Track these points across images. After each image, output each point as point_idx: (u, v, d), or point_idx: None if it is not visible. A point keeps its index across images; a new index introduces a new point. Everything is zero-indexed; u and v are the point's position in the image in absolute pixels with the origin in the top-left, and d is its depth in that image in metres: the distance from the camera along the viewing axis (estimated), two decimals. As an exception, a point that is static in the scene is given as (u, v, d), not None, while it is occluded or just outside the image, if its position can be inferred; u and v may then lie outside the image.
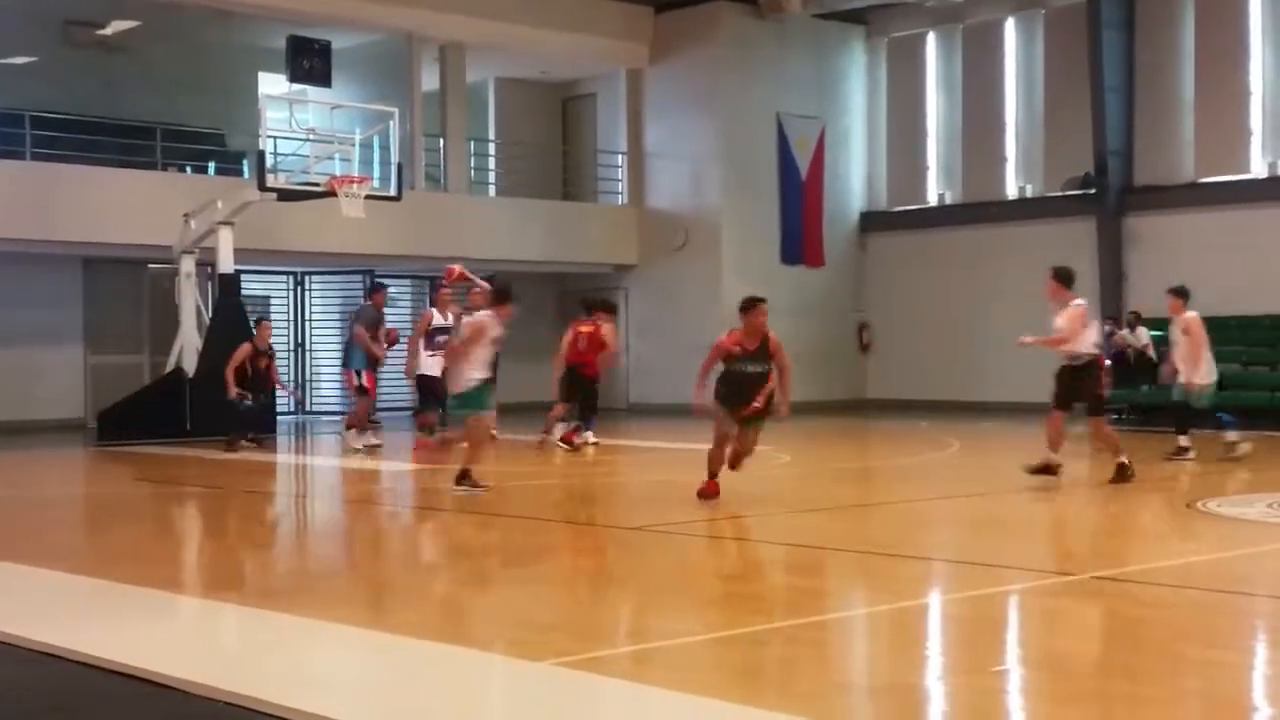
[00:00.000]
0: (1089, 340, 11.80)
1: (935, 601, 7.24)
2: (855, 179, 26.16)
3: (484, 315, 11.45)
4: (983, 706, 5.11)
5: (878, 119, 26.18)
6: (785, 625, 6.54)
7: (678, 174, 24.87)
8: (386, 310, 17.33)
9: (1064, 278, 12.02)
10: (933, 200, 25.60)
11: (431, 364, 15.58)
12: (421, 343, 15.30)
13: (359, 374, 16.33)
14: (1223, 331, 17.57)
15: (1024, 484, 11.50)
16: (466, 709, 5.12)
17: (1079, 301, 11.88)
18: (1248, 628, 6.61)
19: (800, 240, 25.11)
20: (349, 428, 16.52)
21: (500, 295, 11.60)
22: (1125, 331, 20.13)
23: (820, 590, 7.70)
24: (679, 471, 12.16)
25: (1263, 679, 5.65)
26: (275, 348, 18.16)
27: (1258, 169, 21.85)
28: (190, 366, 18.39)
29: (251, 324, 17.70)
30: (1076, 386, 11.77)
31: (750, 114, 24.55)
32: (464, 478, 11.24)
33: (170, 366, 18.79)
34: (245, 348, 16.25)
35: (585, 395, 16.08)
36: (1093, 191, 22.56)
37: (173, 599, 7.32)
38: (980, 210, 24.33)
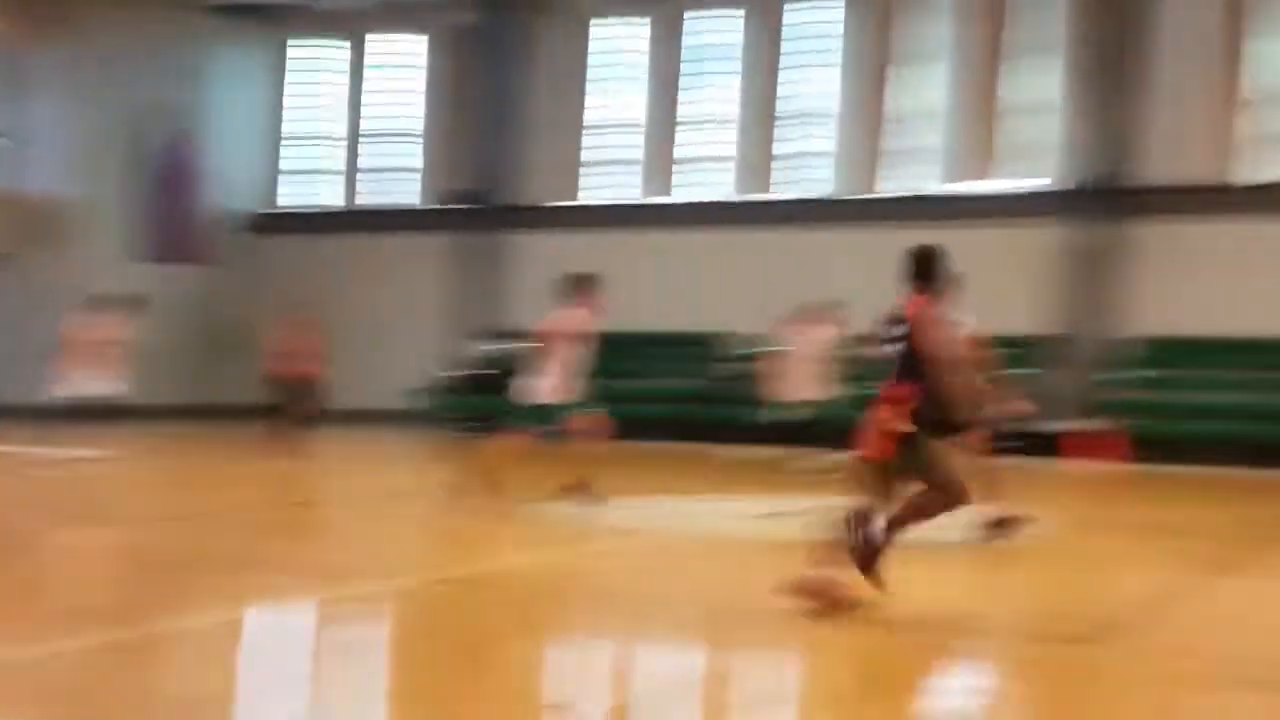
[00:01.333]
0: None
1: (269, 613, 7.20)
2: (240, 178, 25.59)
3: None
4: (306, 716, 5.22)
5: (272, 119, 25.89)
6: (106, 640, 6.28)
7: (41, 160, 23.10)
8: None
9: None
10: (332, 202, 25.73)
11: None
12: None
13: None
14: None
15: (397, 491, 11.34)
16: None
17: None
18: (560, 623, 7.15)
19: (174, 237, 24.35)
20: None
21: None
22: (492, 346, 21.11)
23: (146, 604, 7.35)
24: None
25: (566, 672, 6.13)
26: None
27: (587, 197, 23.73)
28: None
29: None
30: None
31: (122, 103, 23.31)
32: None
33: None
34: None
35: None
36: (476, 207, 23.57)
37: None
38: (378, 218, 24.77)
